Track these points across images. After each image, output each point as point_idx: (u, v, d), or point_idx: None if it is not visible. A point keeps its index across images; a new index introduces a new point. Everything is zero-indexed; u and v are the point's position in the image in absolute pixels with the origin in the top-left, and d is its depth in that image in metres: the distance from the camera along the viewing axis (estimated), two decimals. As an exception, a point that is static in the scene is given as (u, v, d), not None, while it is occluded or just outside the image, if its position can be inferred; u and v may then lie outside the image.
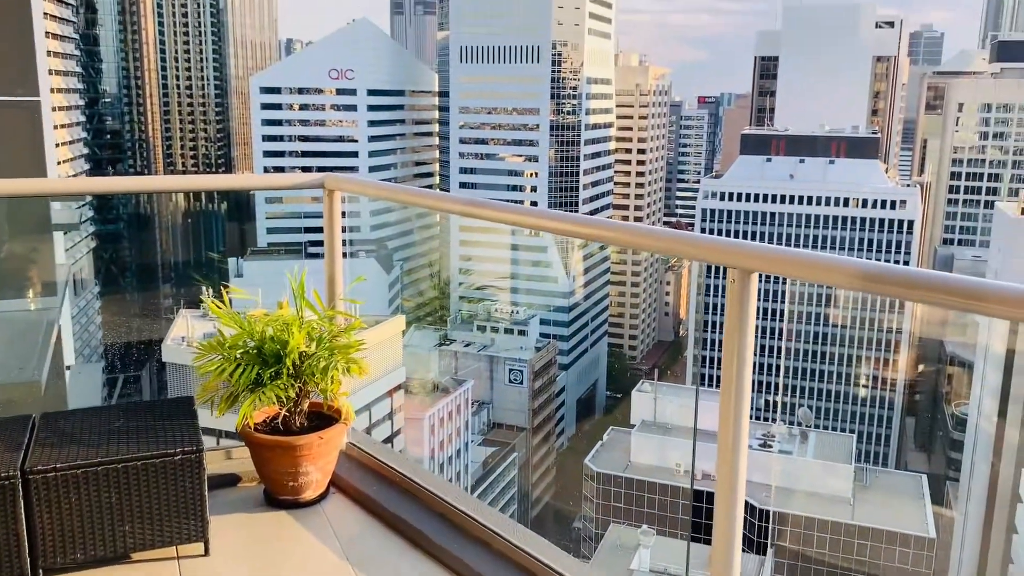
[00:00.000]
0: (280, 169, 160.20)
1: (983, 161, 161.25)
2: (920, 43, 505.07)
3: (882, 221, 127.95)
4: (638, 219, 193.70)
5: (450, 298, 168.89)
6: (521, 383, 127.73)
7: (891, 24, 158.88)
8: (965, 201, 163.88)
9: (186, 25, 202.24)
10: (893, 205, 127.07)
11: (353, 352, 4.47)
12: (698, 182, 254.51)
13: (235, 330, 4.45)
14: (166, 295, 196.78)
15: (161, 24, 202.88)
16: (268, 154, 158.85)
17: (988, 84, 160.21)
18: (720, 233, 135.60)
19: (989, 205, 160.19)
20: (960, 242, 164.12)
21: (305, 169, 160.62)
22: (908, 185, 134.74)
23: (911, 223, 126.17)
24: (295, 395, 4.44)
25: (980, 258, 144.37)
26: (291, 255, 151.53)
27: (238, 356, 4.36)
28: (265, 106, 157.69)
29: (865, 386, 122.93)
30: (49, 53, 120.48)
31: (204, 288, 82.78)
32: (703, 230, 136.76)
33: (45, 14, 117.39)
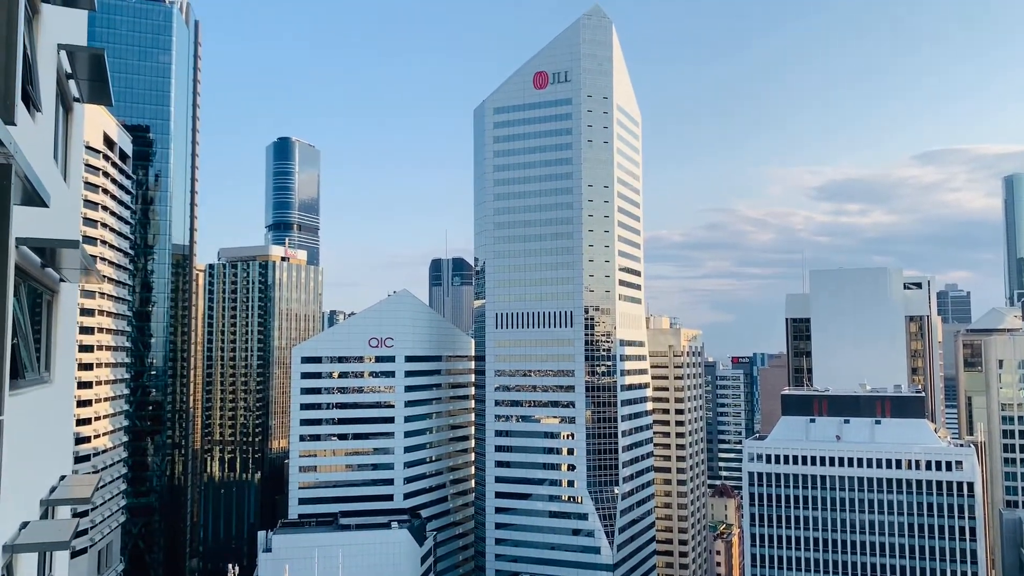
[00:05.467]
0: (316, 438, 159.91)
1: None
2: (947, 302, 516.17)
3: (939, 483, 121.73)
4: (681, 481, 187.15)
5: (485, 572, 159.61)
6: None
7: (919, 285, 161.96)
8: (1023, 460, 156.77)
9: (235, 300, 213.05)
10: (948, 466, 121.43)
11: None
12: (739, 443, 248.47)
13: None
14: (192, 571, 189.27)
15: (211, 299, 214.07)
16: (305, 422, 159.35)
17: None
18: (766, 499, 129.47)
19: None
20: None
21: (341, 437, 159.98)
22: (961, 445, 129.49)
23: (971, 485, 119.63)
24: None
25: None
26: (323, 527, 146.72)
27: None
28: (305, 375, 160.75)
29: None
30: (101, 330, 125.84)
31: (230, 566, 78.72)
32: (751, 496, 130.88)
33: (102, 294, 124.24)
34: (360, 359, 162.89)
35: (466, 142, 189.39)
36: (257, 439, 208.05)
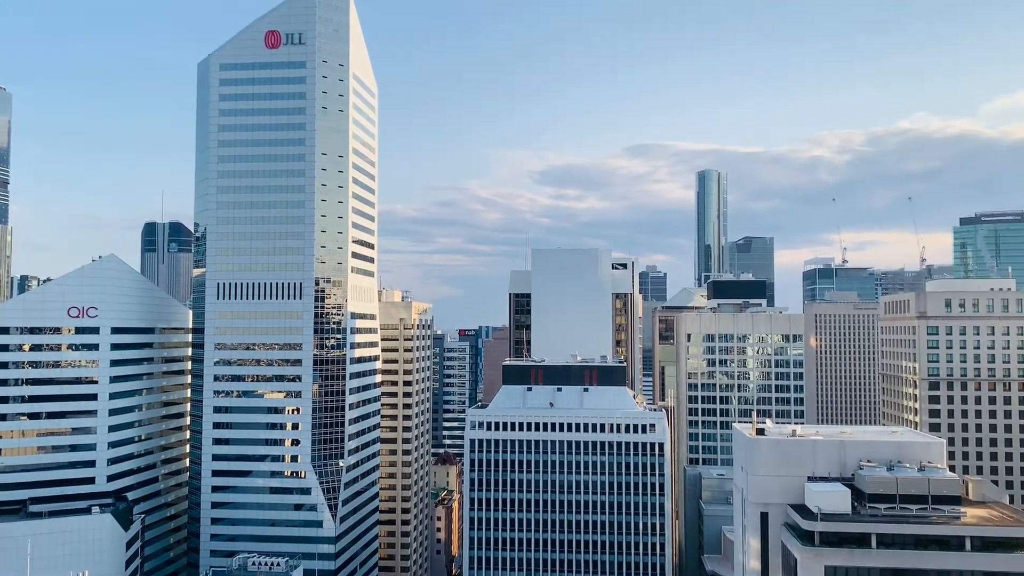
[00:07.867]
0: (1, 418, 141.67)
1: (713, 385, 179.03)
2: (648, 282, 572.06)
3: (635, 444, 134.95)
4: (406, 452, 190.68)
5: (200, 553, 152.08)
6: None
7: (624, 266, 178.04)
8: (703, 422, 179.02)
9: None
10: (643, 429, 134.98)
11: None
12: (463, 412, 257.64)
13: None
14: None
15: None
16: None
17: (709, 317, 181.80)
18: (486, 464, 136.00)
19: (725, 426, 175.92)
20: (704, 461, 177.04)
21: (33, 416, 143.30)
22: (655, 409, 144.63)
23: (661, 445, 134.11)
24: None
25: (725, 476, 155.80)
26: (8, 515, 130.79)
27: None
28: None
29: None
30: None
31: None
32: (471, 461, 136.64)
33: None
34: (57, 330, 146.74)
35: (188, 98, 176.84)
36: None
